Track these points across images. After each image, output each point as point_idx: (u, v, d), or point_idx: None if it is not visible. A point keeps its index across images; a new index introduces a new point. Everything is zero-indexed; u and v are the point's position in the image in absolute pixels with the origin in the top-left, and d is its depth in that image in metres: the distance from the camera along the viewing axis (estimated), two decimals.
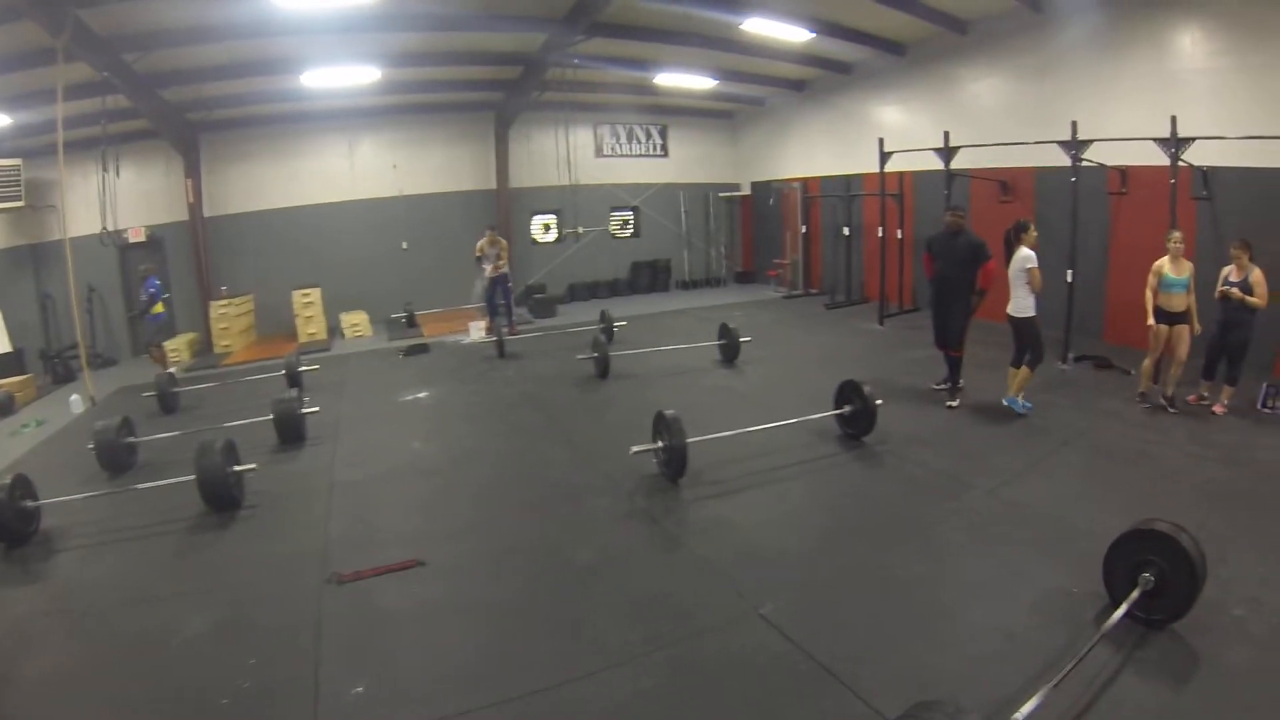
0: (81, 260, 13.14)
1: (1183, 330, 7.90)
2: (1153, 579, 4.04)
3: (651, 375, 10.69)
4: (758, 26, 13.06)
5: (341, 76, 13.75)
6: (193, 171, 15.76)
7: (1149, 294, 7.98)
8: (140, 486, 6.81)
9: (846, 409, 7.43)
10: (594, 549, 5.48)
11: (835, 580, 4.87)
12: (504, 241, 14.67)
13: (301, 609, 4.80)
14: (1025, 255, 7.80)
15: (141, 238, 15.86)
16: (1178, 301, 7.87)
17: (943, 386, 8.89)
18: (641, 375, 10.69)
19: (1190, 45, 10.38)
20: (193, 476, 6.33)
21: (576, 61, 14.28)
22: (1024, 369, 8.05)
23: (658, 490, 6.46)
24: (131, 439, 8.20)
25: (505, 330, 13.37)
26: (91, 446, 7.71)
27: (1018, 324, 8.02)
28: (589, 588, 4.97)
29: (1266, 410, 7.93)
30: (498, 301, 14.98)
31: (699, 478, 6.55)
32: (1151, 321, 7.97)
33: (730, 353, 11.16)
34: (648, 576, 5.07)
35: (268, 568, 5.46)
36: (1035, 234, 7.97)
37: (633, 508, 6.20)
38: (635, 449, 6.53)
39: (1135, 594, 4.04)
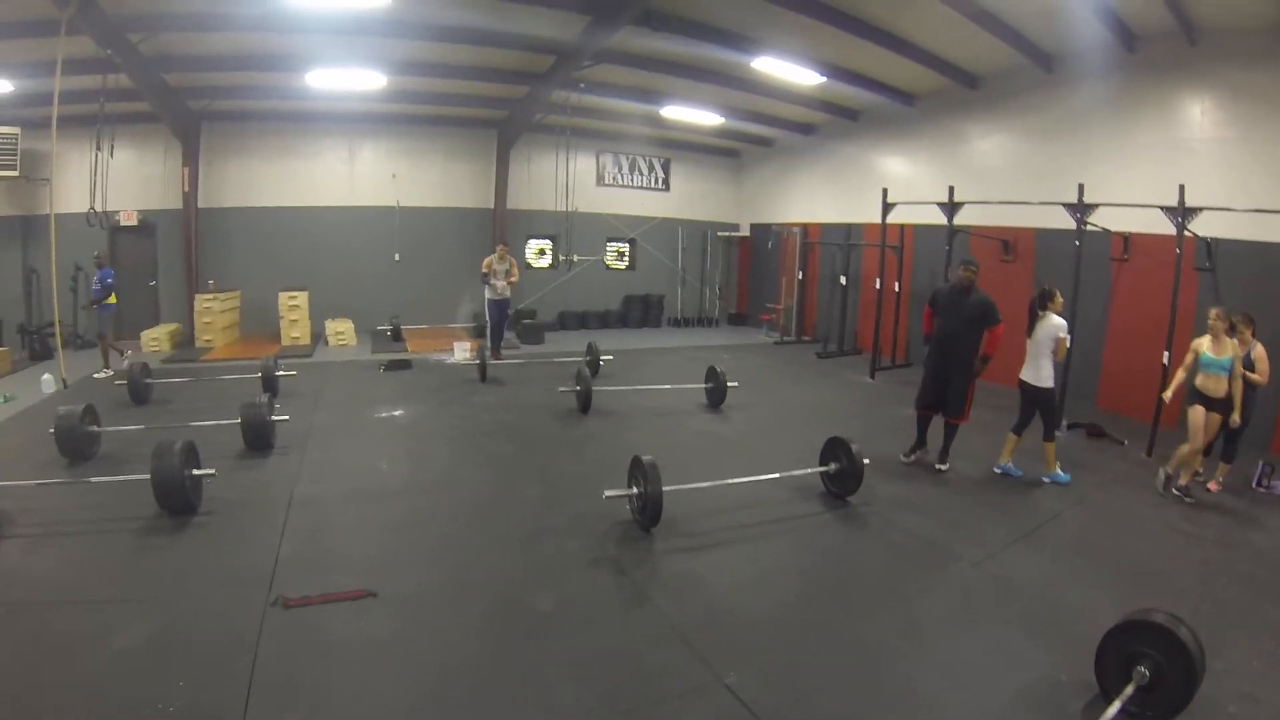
0: (70, 238, 13.00)
1: (1215, 419, 7.42)
2: (1148, 673, 3.85)
3: (634, 414, 10.44)
4: (768, 66, 13.08)
5: (346, 79, 13.65)
6: (191, 160, 15.61)
7: (1180, 373, 7.66)
8: (94, 480, 6.59)
9: (832, 466, 7.20)
10: (556, 595, 5.21)
11: (807, 651, 4.61)
12: (514, 259, 14.33)
13: (241, 630, 4.55)
14: (1058, 323, 7.72)
15: (133, 221, 15.66)
16: (1215, 385, 7.34)
17: (911, 458, 8.43)
18: (624, 413, 10.44)
19: (1199, 115, 10.49)
20: (145, 476, 6.11)
21: (583, 86, 14.20)
22: (1049, 443, 7.95)
23: (629, 538, 6.18)
24: (95, 428, 7.93)
25: (488, 354, 13.04)
26: (53, 431, 7.51)
27: (1035, 393, 7.85)
28: (546, 637, 4.69)
29: (1261, 489, 7.87)
30: (493, 322, 14.65)
31: (674, 527, 6.27)
32: (1169, 395, 7.75)
33: (717, 397, 10.90)
34: (609, 631, 4.80)
35: (213, 582, 5.21)
36: (1061, 300, 7.94)
37: (601, 554, 5.91)
38: (608, 493, 6.24)
39: (1130, 689, 3.86)
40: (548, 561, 5.80)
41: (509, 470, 8.08)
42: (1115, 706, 3.78)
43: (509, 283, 14.28)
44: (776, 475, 7.09)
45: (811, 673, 4.38)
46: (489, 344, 14.13)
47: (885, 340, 14.38)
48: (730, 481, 6.81)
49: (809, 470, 7.30)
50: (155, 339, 14.89)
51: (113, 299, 12.38)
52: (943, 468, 8.19)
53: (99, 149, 12.07)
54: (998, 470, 8.09)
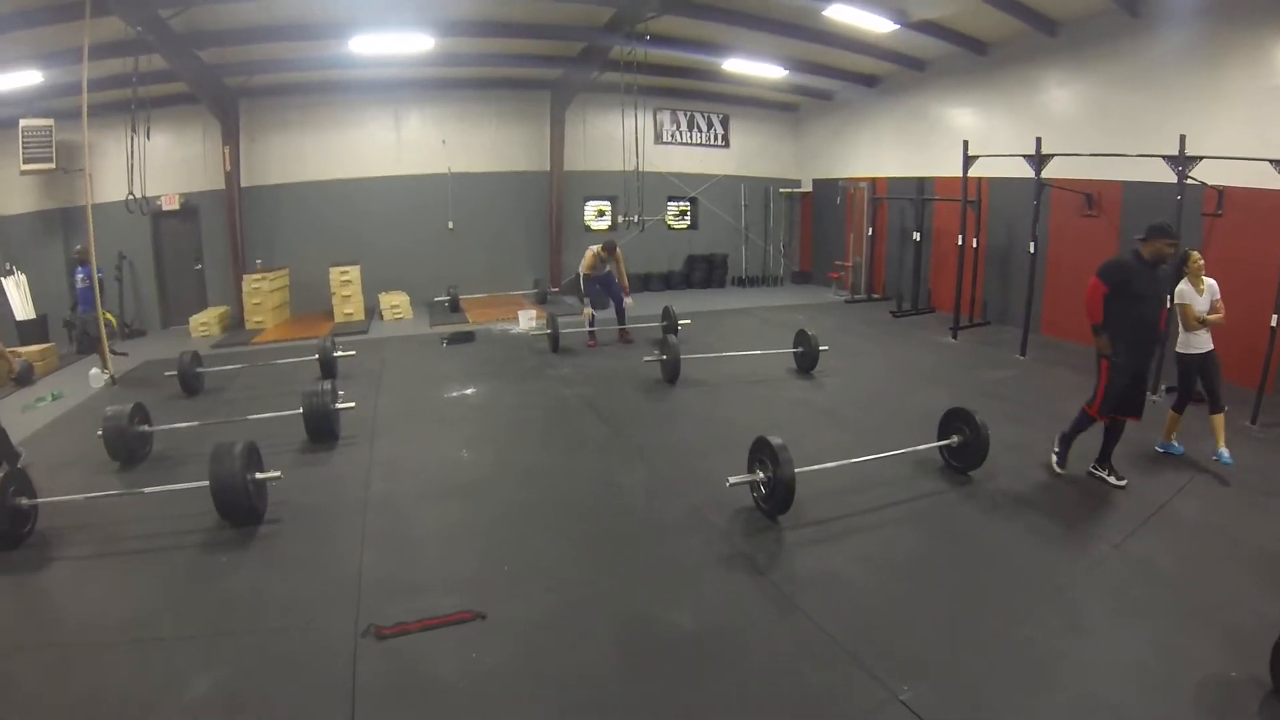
0: (113, 227, 12.75)
1: None
2: None
3: (724, 383, 9.74)
4: (841, 14, 12.34)
5: (391, 44, 12.89)
6: (230, 139, 15.02)
7: None
8: (148, 490, 5.87)
9: (954, 439, 6.54)
10: (691, 609, 4.52)
11: (975, 657, 4.05)
12: (620, 257, 12.57)
13: (331, 671, 3.86)
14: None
15: (175, 206, 15.22)
16: None
17: (1103, 471, 6.51)
18: (713, 382, 9.73)
19: None
20: (204, 483, 5.44)
21: (649, 38, 13.27)
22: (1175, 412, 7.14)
23: (756, 529, 5.52)
24: (146, 427, 7.38)
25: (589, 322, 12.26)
26: (100, 434, 6.96)
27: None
28: (691, 660, 4.02)
29: None
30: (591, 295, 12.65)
31: (799, 514, 5.60)
32: None
33: (808, 362, 10.22)
34: (761, 648, 4.14)
35: (290, 608, 4.53)
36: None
37: (731, 551, 5.22)
38: (732, 480, 5.60)
39: None
40: (673, 564, 5.11)
41: (605, 454, 7.33)
42: None
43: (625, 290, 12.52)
44: (899, 451, 6.51)
45: (986, 681, 3.88)
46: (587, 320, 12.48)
47: (964, 298, 13.51)
48: (855, 460, 6.16)
49: (930, 445, 6.66)
50: (204, 323, 14.46)
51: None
52: (1122, 484, 6.38)
53: (134, 133, 11.42)
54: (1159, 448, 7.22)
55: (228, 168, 15.02)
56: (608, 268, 12.11)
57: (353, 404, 7.88)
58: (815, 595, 4.65)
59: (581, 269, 12.19)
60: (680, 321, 12.30)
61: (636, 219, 15.25)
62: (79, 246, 11.27)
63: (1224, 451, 6.78)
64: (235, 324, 15.01)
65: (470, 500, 6.20)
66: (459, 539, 5.55)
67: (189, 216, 15.64)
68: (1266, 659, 3.66)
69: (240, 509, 5.49)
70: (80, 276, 11.15)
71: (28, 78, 12.10)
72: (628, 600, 4.66)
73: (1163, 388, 9.08)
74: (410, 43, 12.94)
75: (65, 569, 5.11)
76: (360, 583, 4.78)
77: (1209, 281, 6.99)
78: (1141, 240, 6.07)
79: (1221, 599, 4.57)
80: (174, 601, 4.65)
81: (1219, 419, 6.91)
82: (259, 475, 5.70)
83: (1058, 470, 6.53)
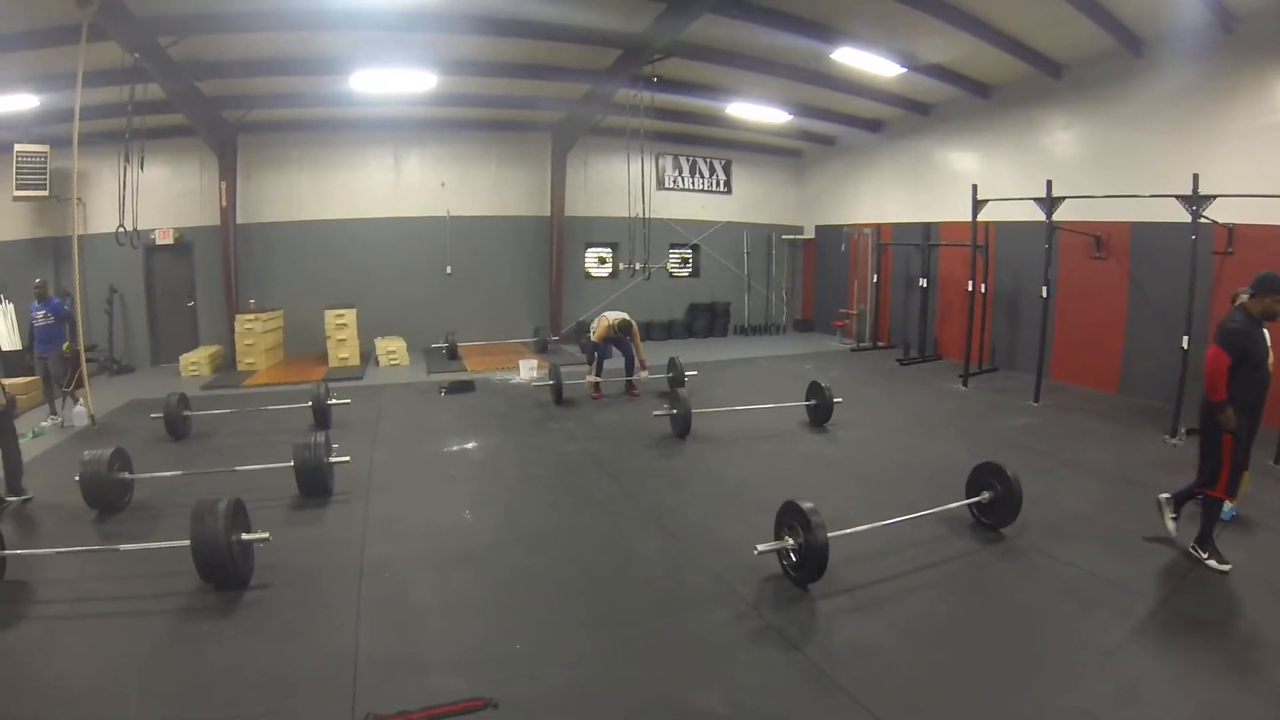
0: (105, 260, 12.47)
1: None
2: None
3: (735, 438, 9.34)
4: (848, 58, 12.29)
5: (394, 81, 12.66)
6: (228, 174, 14.73)
7: None
8: (124, 547, 5.45)
9: (985, 495, 6.27)
10: (723, 690, 4.11)
11: None
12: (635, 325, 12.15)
13: None
14: None
15: (169, 239, 14.92)
16: None
17: (1203, 554, 5.72)
18: (723, 438, 9.33)
19: None
20: (185, 542, 5.01)
21: (656, 81, 13.06)
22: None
23: (785, 599, 5.15)
24: (126, 474, 6.92)
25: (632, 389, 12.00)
26: (77, 479, 6.54)
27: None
28: None
29: None
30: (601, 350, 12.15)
31: (830, 581, 5.24)
32: None
33: (821, 415, 9.91)
34: None
35: (279, 689, 4.05)
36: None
37: (761, 625, 4.83)
38: (761, 548, 5.24)
39: None
40: (699, 640, 4.66)
41: (616, 516, 6.89)
42: None
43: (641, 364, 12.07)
44: (929, 511, 6.20)
45: None
46: (594, 372, 12.06)
47: (973, 345, 13.46)
48: (885, 523, 5.81)
49: (960, 503, 6.39)
50: (195, 363, 14.08)
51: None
52: (1225, 568, 5.69)
53: (128, 163, 11.07)
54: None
55: (224, 203, 14.71)
56: (622, 335, 11.81)
57: (347, 458, 7.40)
58: (854, 671, 4.30)
59: (594, 336, 11.87)
60: (687, 373, 11.96)
61: (641, 266, 14.85)
62: (38, 280, 10.47)
63: (1229, 506, 6.34)
64: (227, 364, 14.63)
65: (474, 567, 5.75)
66: (464, 611, 5.08)
67: (183, 252, 15.32)
68: None
69: (223, 572, 5.03)
70: (41, 313, 10.25)
71: (23, 101, 11.84)
72: (652, 681, 4.23)
73: (1183, 430, 8.96)
74: (412, 81, 12.72)
75: (31, 630, 4.69)
76: (356, 660, 4.33)
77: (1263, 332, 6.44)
78: (1251, 296, 5.67)
79: (1272, 657, 4.40)
80: (147, 675, 4.20)
81: (1244, 476, 6.34)
82: (245, 536, 5.25)
83: (1224, 569, 5.59)
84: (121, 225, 10.83)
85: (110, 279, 14.05)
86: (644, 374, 11.96)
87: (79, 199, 13.34)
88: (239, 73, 12.37)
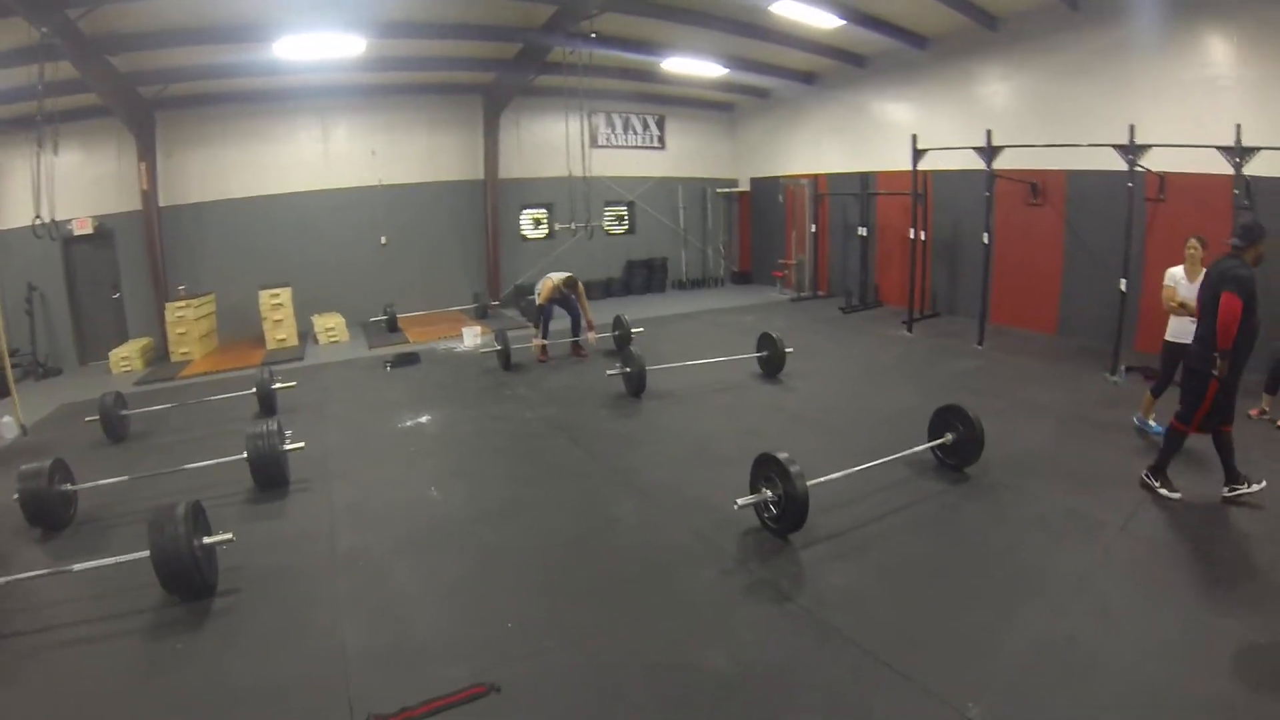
0: (19, 255, 11.83)
1: None
2: None
3: (691, 393, 9.41)
4: (787, 10, 12.30)
5: (320, 46, 12.07)
6: (147, 154, 13.96)
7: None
8: (78, 567, 5.02)
9: (948, 437, 6.54)
10: (726, 648, 4.15)
11: (1028, 664, 3.96)
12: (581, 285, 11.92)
13: None
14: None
15: (88, 229, 14.05)
16: None
17: (1242, 486, 5.84)
18: (679, 394, 9.38)
19: (1231, 51, 10.12)
20: (145, 553, 4.72)
21: (594, 35, 12.78)
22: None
23: (770, 551, 5.27)
24: (69, 486, 6.49)
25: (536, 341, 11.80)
26: (15, 497, 6.08)
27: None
28: (741, 707, 3.70)
29: None
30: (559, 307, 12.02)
31: (809, 531, 5.38)
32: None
33: (773, 366, 10.05)
34: (811, 682, 3.88)
35: (268, 699, 3.88)
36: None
37: (751, 579, 4.93)
38: (741, 501, 5.34)
39: None
40: (693, 600, 4.72)
41: (587, 481, 6.84)
42: None
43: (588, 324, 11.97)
44: (895, 456, 6.43)
45: (1046, 689, 3.77)
46: (540, 333, 11.88)
47: (914, 292, 13.72)
48: (855, 469, 5.98)
49: (925, 445, 6.66)
50: (125, 358, 13.40)
51: None
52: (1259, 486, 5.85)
53: (41, 150, 10.39)
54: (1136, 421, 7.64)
55: (145, 186, 13.97)
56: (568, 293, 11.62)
57: (302, 444, 7.07)
58: (849, 616, 4.45)
59: (539, 299, 11.67)
60: (634, 329, 11.90)
61: (585, 226, 14.63)
62: None
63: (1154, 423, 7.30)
64: (160, 356, 13.97)
65: (451, 547, 5.62)
66: (449, 594, 4.96)
67: (104, 241, 14.51)
68: None
69: (189, 581, 4.78)
70: None
71: None
72: (655, 647, 4.22)
73: (1122, 368, 9.42)
74: (340, 45, 12.17)
75: None
76: (345, 658, 4.18)
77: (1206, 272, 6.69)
78: (1240, 247, 5.66)
79: (1230, 571, 4.80)
80: (124, 705, 3.94)
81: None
82: (207, 539, 4.99)
83: (1175, 496, 5.92)
84: (38, 216, 10.20)
85: (27, 276, 13.26)
86: (591, 335, 11.87)
87: None
88: (155, 44, 11.72)
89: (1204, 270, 6.52)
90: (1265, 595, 4.40)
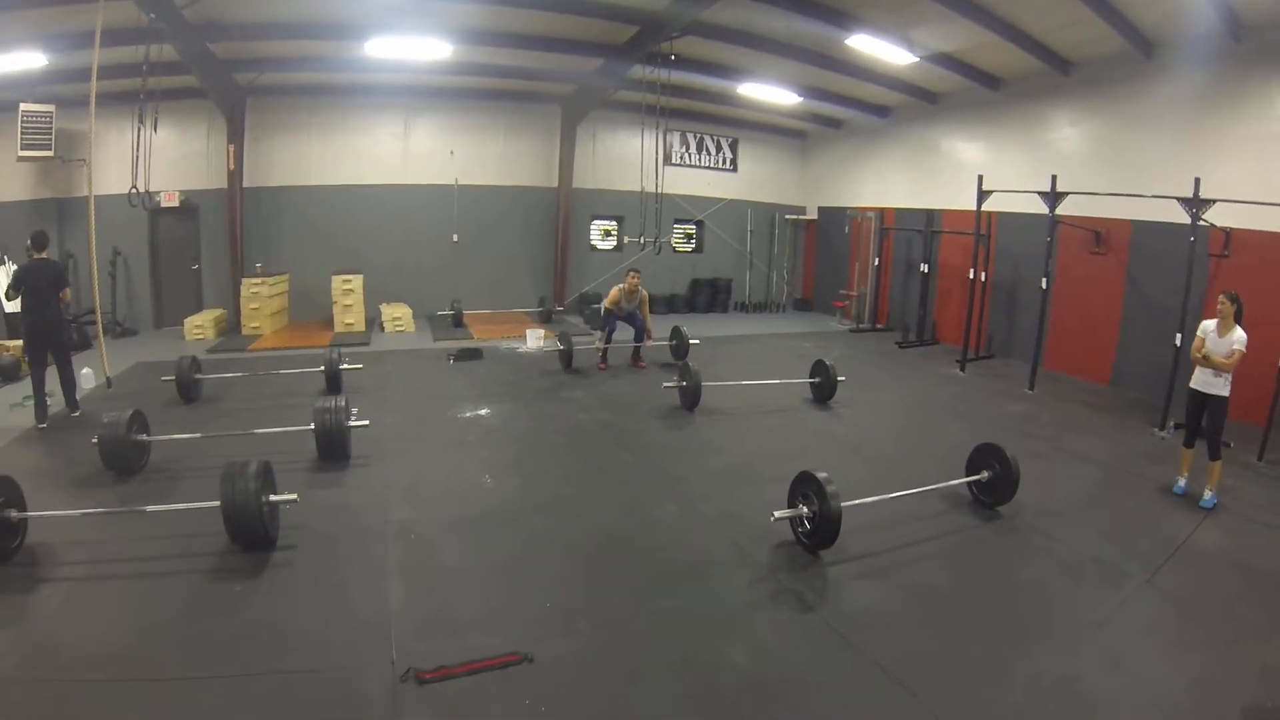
0: (108, 222, 12.06)
1: None
2: None
3: (743, 412, 9.55)
4: (862, 44, 12.32)
5: (409, 49, 12.53)
6: (235, 137, 14.59)
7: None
8: (150, 509, 5.42)
9: (984, 475, 6.59)
10: (747, 647, 4.36)
11: (1028, 695, 4.07)
12: (645, 291, 12.11)
13: None
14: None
15: (174, 203, 14.71)
16: None
17: None
18: (732, 411, 9.52)
19: None
20: (215, 503, 5.07)
21: (674, 57, 13.01)
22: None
23: (800, 565, 5.43)
24: (144, 436, 6.95)
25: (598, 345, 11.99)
26: (95, 441, 6.53)
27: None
28: (755, 701, 3.88)
29: None
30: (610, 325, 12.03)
31: (839, 549, 5.54)
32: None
33: (825, 393, 10.14)
34: (825, 687, 4.06)
35: (317, 646, 4.16)
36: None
37: (778, 588, 5.12)
38: (777, 514, 5.52)
39: None
40: (721, 601, 4.94)
41: (633, 484, 7.04)
42: None
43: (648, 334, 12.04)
44: (931, 487, 6.55)
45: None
46: (600, 343, 12.03)
47: (971, 332, 13.69)
48: (891, 496, 6.12)
49: (960, 480, 6.74)
50: (199, 325, 14.00)
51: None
52: None
53: (142, 125, 10.90)
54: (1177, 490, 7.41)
55: (231, 166, 14.59)
56: (634, 305, 11.82)
57: (366, 422, 7.44)
58: (867, 631, 4.60)
59: (606, 304, 11.89)
60: (690, 341, 12.07)
61: (654, 241, 14.85)
62: (28, 243, 9.11)
63: (1208, 494, 7.06)
64: (231, 328, 14.56)
65: (499, 530, 5.86)
66: (492, 572, 5.20)
67: (188, 215, 15.18)
68: None
69: (253, 533, 5.13)
70: None
71: (31, 60, 11.61)
72: (680, 639, 4.44)
73: (1171, 424, 9.26)
74: (427, 49, 12.60)
75: (58, 591, 4.70)
76: (390, 618, 4.44)
77: (1239, 332, 7.02)
78: None
79: (1249, 632, 4.78)
80: (181, 635, 4.27)
81: (1216, 466, 7.13)
82: (273, 497, 5.33)
83: None
84: (134, 187, 10.73)
85: (114, 241, 13.87)
86: (649, 342, 12.03)
87: (83, 160, 13.22)
88: (253, 35, 12.25)
89: (1237, 331, 6.92)
90: (1278, 659, 4.43)
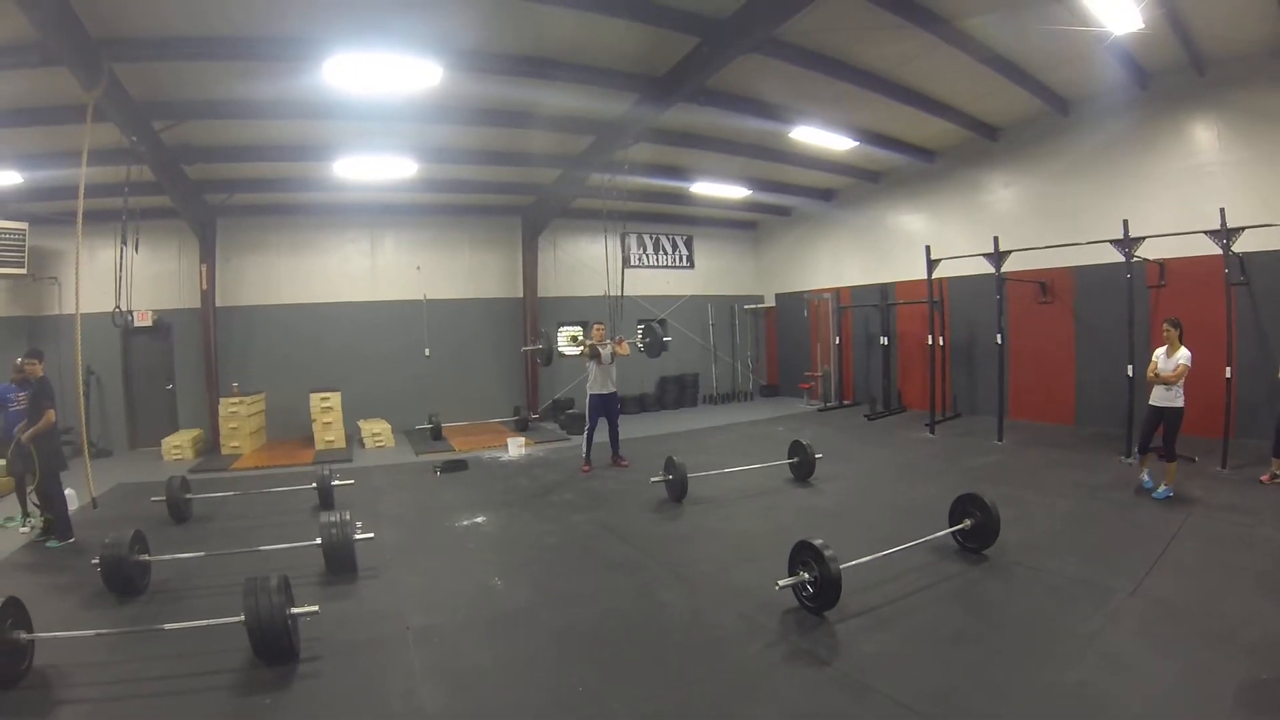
0: (81, 340, 12.20)
1: None
2: None
3: (729, 498, 9.76)
4: (805, 135, 13.19)
5: (376, 168, 13.09)
6: (208, 257, 14.94)
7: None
8: (169, 627, 5.45)
9: (967, 522, 7.10)
10: (775, 706, 4.58)
11: (1039, 706, 4.44)
12: (620, 336, 12.49)
13: None
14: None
15: (148, 322, 14.85)
16: None
17: None
18: (717, 498, 9.74)
19: (1214, 139, 11.28)
20: (237, 619, 5.12)
21: (627, 167, 13.60)
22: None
23: (807, 627, 5.69)
24: (145, 557, 6.94)
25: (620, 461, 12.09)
26: (96, 563, 6.54)
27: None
28: None
29: None
30: (591, 423, 12.10)
31: (842, 608, 5.82)
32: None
33: (805, 470, 10.46)
34: None
35: None
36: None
37: (793, 649, 5.35)
38: (781, 583, 5.83)
39: None
40: (742, 668, 5.13)
41: (637, 574, 7.19)
42: None
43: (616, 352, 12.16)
44: (919, 541, 6.96)
45: None
46: (583, 447, 12.13)
47: (935, 394, 14.31)
48: (883, 554, 6.52)
49: (945, 531, 7.20)
50: (177, 446, 14.01)
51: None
52: None
53: (125, 244, 11.17)
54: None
55: (204, 286, 14.85)
56: (609, 352, 11.97)
57: (371, 534, 7.56)
58: (882, 675, 4.85)
59: (585, 346, 12.11)
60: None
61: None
62: (19, 359, 9.18)
63: (1163, 487, 8.53)
64: (210, 448, 14.55)
65: (517, 628, 5.97)
66: (519, 666, 5.31)
67: (161, 334, 15.33)
68: None
69: (279, 646, 5.18)
70: (18, 395, 9.11)
71: (5, 177, 11.90)
72: (709, 706, 4.63)
73: (1135, 450, 9.72)
74: (395, 167, 13.13)
75: (78, 713, 4.66)
76: (427, 717, 4.55)
77: (1183, 351, 8.49)
78: None
79: (1236, 621, 5.26)
80: None
81: (1171, 467, 8.54)
82: (294, 610, 5.41)
83: None
84: (118, 306, 10.91)
85: (87, 360, 13.56)
86: (624, 350, 12.31)
87: (58, 279, 13.44)
88: (225, 158, 12.66)
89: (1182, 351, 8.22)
90: (1269, 641, 4.84)
